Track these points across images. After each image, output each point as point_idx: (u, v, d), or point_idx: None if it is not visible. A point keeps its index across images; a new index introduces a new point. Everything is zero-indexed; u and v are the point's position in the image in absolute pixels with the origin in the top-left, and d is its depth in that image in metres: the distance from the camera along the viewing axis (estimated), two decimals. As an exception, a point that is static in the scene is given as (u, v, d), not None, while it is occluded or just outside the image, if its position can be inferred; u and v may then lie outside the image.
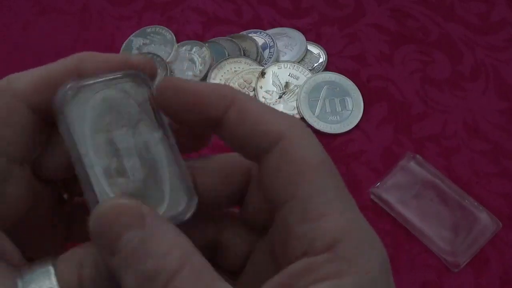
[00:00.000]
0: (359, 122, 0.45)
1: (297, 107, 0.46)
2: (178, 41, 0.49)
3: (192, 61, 0.48)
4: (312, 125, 0.44)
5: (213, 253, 0.23)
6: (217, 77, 0.47)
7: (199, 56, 0.48)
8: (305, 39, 0.50)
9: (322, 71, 0.48)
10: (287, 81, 0.47)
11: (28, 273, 0.18)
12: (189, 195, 0.20)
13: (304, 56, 0.49)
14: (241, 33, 0.50)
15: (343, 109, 0.45)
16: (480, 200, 0.40)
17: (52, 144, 0.22)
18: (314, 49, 0.50)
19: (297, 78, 0.47)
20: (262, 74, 0.47)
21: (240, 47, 0.49)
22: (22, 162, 0.21)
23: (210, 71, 0.47)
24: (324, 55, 0.49)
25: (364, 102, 0.46)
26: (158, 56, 0.47)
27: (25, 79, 0.21)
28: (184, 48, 0.49)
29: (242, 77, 0.47)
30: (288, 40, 0.50)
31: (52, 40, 0.50)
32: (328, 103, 0.46)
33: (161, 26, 0.50)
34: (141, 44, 0.50)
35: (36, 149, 0.21)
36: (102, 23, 0.51)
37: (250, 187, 0.22)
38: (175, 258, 0.17)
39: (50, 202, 0.23)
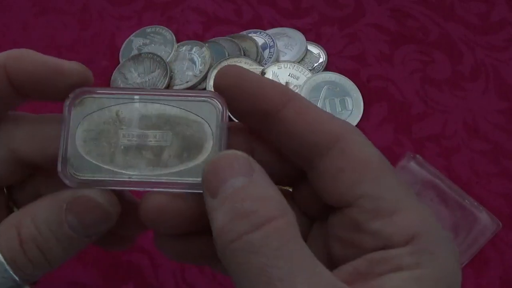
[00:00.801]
0: (359, 122, 0.45)
1: (297, 107, 0.46)
2: (178, 41, 0.49)
3: (192, 61, 0.48)
4: (312, 125, 0.44)
5: None
6: (217, 77, 0.47)
7: (199, 56, 0.48)
8: (305, 39, 0.50)
9: (322, 71, 0.48)
10: (287, 81, 0.47)
11: None
12: None
13: (304, 56, 0.49)
14: (241, 33, 0.50)
15: (343, 109, 0.45)
16: (480, 200, 0.40)
17: None
18: (314, 49, 0.50)
19: (297, 78, 0.47)
20: (262, 74, 0.47)
21: (240, 47, 0.49)
22: None
23: (210, 71, 0.47)
24: (324, 55, 0.49)
25: (364, 102, 0.46)
26: (158, 56, 0.47)
27: None
28: (184, 48, 0.49)
29: (242, 77, 0.47)
30: (288, 40, 0.50)
31: (52, 40, 0.50)
32: (328, 103, 0.46)
33: (161, 26, 0.50)
34: (141, 44, 0.50)
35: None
36: (102, 23, 0.51)
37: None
38: (274, 207, 0.18)
39: (2, 212, 0.23)
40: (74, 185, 0.20)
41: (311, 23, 0.51)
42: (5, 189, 0.24)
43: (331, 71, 0.48)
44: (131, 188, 0.21)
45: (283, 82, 0.47)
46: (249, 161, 0.19)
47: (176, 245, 0.23)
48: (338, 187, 0.19)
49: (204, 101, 0.21)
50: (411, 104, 0.46)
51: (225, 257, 0.18)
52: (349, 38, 0.50)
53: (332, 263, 0.20)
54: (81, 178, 0.20)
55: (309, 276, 0.17)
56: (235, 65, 0.25)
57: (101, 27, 0.51)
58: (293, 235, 0.17)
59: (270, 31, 0.50)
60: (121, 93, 0.21)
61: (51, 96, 0.21)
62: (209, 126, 0.21)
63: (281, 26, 0.51)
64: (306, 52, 0.49)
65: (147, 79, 0.47)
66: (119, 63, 0.48)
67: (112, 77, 0.47)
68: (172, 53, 0.48)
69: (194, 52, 0.48)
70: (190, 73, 0.47)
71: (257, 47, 0.49)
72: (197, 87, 0.47)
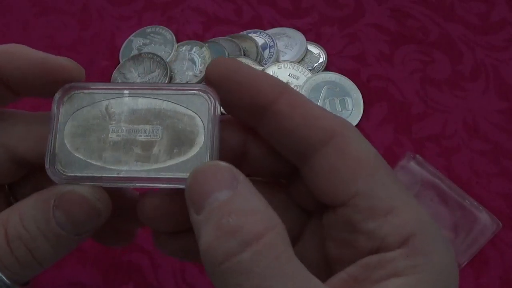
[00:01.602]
0: (359, 122, 0.45)
1: (297, 107, 0.46)
2: (178, 41, 0.49)
3: (192, 61, 0.48)
4: (312, 125, 0.44)
5: None
6: (217, 77, 0.47)
7: (199, 56, 0.48)
8: (305, 39, 0.50)
9: (322, 71, 0.48)
10: (287, 81, 0.47)
11: None
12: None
13: (304, 56, 0.49)
14: (241, 33, 0.50)
15: (343, 109, 0.45)
16: (480, 200, 0.40)
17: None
18: (314, 49, 0.50)
19: (297, 78, 0.47)
20: (262, 74, 0.47)
21: (240, 47, 0.49)
22: None
23: (210, 71, 0.47)
24: (324, 55, 0.49)
25: (364, 102, 0.46)
26: (158, 56, 0.47)
27: None
28: (184, 48, 0.49)
29: (242, 77, 0.47)
30: (288, 40, 0.50)
31: (52, 40, 0.50)
32: (328, 103, 0.46)
33: (161, 26, 0.50)
34: (141, 44, 0.50)
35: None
36: (102, 23, 0.51)
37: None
38: (261, 220, 0.17)
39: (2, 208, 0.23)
40: (62, 181, 0.20)
41: (311, 23, 0.51)
42: (6, 186, 0.24)
43: (331, 71, 0.48)
44: (120, 184, 0.20)
45: (283, 82, 0.47)
46: (233, 172, 0.18)
47: (175, 242, 0.22)
48: (332, 184, 0.19)
49: (195, 94, 0.20)
50: (411, 104, 0.46)
51: (214, 278, 0.17)
52: (349, 38, 0.50)
53: (327, 262, 0.20)
54: (69, 174, 0.20)
55: None
56: (227, 57, 0.24)
57: (101, 27, 0.51)
58: (283, 250, 0.17)
59: (270, 31, 0.50)
60: (111, 88, 0.21)
61: (41, 92, 0.21)
62: (201, 119, 0.20)
63: (281, 26, 0.51)
64: (306, 52, 0.49)
65: (147, 79, 0.47)
66: (119, 63, 0.48)
67: (112, 77, 0.47)
68: (172, 53, 0.48)
69: (194, 52, 0.48)
70: (190, 73, 0.47)
71: (257, 47, 0.49)
72: (197, 87, 0.47)
